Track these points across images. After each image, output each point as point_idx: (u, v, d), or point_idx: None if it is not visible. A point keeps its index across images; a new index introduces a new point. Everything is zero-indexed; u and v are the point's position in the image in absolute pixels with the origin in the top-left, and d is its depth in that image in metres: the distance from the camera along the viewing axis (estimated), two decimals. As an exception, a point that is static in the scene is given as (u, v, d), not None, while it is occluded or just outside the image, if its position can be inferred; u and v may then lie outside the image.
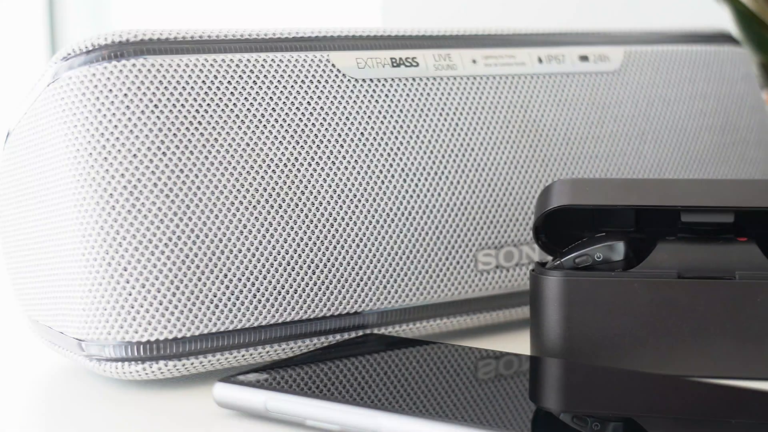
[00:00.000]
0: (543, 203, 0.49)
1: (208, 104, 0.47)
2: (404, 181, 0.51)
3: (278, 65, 0.49)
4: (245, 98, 0.48)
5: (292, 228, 0.49)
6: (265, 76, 0.49)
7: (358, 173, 0.50)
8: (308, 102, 0.49)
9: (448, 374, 0.46)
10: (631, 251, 0.48)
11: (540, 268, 0.49)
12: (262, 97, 0.48)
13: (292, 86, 0.49)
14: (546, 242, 0.51)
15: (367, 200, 0.50)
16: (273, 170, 0.48)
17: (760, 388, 0.43)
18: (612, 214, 0.50)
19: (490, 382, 0.45)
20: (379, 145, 0.51)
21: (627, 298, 0.47)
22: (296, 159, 0.49)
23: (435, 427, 0.39)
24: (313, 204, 0.49)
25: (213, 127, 0.47)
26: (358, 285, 0.50)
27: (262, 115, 0.48)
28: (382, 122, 0.51)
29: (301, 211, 0.49)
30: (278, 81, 0.49)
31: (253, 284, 0.48)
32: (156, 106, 0.46)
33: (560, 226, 0.51)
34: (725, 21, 0.74)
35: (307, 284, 0.49)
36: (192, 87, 0.47)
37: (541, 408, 0.44)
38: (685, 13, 0.83)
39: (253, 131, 0.48)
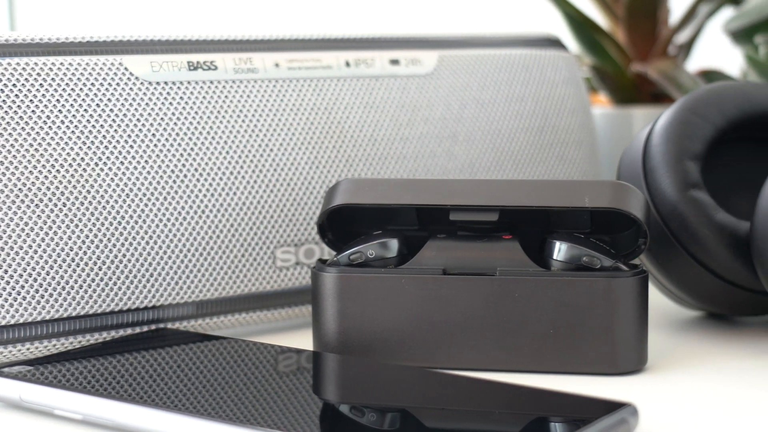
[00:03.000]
0: (326, 202, 0.51)
1: (-9, 106, 0.49)
2: (197, 180, 0.53)
3: (68, 69, 0.51)
4: (30, 100, 0.50)
5: (77, 226, 0.50)
6: (52, 79, 0.50)
7: (149, 173, 0.52)
8: (98, 104, 0.51)
9: (228, 369, 0.47)
10: (406, 249, 0.50)
11: (319, 265, 0.51)
12: (48, 100, 0.50)
13: (81, 89, 0.51)
14: (332, 239, 0.52)
15: (157, 199, 0.52)
16: (57, 170, 0.50)
17: (518, 383, 0.44)
18: (395, 213, 0.52)
19: (273, 378, 0.47)
20: (172, 146, 0.53)
21: (396, 294, 0.49)
22: (83, 159, 0.51)
23: (174, 420, 0.41)
24: (99, 202, 0.51)
25: (-5, 128, 0.49)
26: (148, 281, 0.52)
27: (48, 117, 0.50)
28: (176, 124, 0.53)
29: (87, 209, 0.51)
30: (66, 84, 0.51)
31: (35, 280, 0.49)
32: (-64, 108, 0.48)
33: (349, 224, 0.52)
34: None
35: (93, 280, 0.51)
36: (-26, 90, 0.49)
37: (322, 401, 0.45)
38: (531, 19, 0.85)
39: (37, 132, 0.50)
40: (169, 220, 0.53)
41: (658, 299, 0.60)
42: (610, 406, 0.40)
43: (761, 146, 0.57)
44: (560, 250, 0.49)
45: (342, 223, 0.52)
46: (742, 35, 0.69)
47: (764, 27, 0.67)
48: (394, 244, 0.50)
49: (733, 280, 0.53)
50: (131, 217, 0.52)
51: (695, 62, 0.76)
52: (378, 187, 0.51)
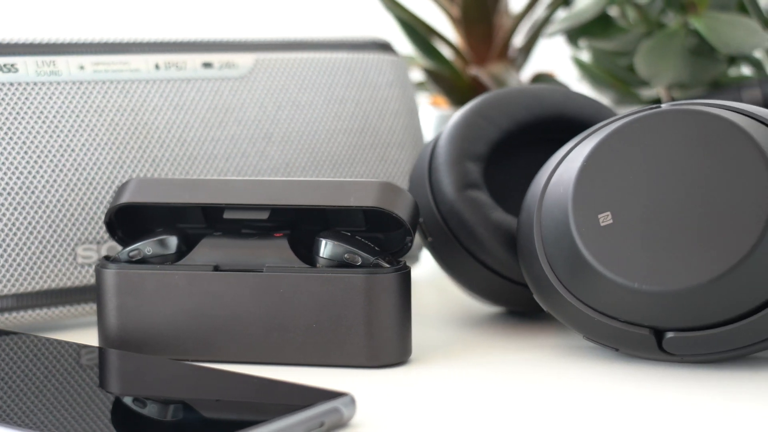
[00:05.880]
0: (113, 200, 0.53)
1: None
2: (-7, 179, 0.55)
3: None
4: None
5: None
6: None
7: (-58, 172, 0.54)
8: None
9: (17, 366, 0.49)
10: (186, 246, 0.52)
11: (101, 261, 0.52)
12: None
13: None
14: (123, 237, 0.54)
15: (-50, 197, 0.54)
16: None
17: (249, 374, 0.46)
18: (183, 211, 0.54)
19: (60, 373, 0.48)
20: (-34, 146, 0.55)
21: (170, 290, 0.51)
22: None
23: None
24: None
25: None
26: (-59, 277, 0.54)
27: None
28: (-29, 125, 0.55)
29: None
30: None
31: None
32: None
33: (142, 222, 0.54)
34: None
35: None
36: None
37: (107, 395, 0.47)
38: (378, 23, 0.86)
39: None
40: (-38, 218, 0.54)
41: (461, 296, 0.62)
42: (326, 396, 0.42)
43: (556, 147, 0.59)
44: (324, 248, 0.50)
45: (135, 221, 0.54)
46: (574, 39, 0.71)
47: (587, 30, 0.68)
48: (172, 241, 0.52)
49: (510, 277, 0.55)
50: None
51: (539, 66, 0.78)
52: (162, 186, 0.53)
